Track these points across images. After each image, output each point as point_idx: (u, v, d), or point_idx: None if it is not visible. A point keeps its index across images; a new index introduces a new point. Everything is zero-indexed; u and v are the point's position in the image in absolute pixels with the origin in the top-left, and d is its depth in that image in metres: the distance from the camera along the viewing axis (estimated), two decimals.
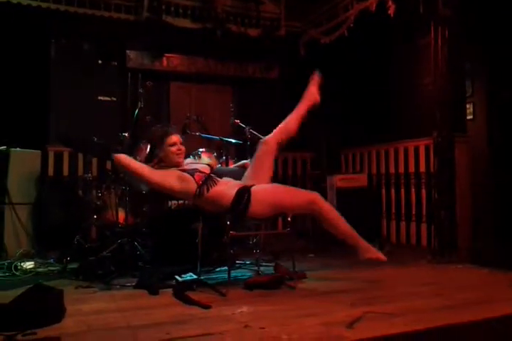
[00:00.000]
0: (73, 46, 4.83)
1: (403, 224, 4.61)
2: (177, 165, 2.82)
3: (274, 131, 2.96)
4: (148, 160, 2.88)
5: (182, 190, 2.70)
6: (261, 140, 2.96)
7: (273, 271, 2.99)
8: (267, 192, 2.73)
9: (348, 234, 2.75)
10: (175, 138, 2.85)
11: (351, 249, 2.80)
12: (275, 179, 3.07)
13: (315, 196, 2.73)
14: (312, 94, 3.16)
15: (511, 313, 2.19)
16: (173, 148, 2.82)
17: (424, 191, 4.32)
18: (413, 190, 4.49)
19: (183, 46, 5.20)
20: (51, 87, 4.70)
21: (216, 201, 2.71)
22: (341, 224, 2.75)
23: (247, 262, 3.40)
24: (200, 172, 2.77)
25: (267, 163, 2.92)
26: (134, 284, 2.73)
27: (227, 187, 2.73)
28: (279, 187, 2.81)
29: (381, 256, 2.77)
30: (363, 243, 2.76)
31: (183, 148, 2.85)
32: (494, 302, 2.37)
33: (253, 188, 2.72)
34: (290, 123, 3.00)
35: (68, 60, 4.79)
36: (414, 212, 4.47)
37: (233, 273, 3.08)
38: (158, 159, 2.84)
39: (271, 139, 2.92)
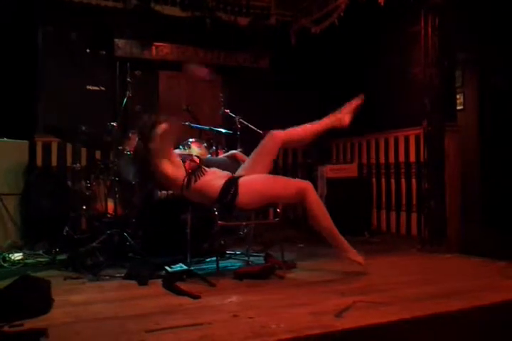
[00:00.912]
0: (61, 34, 4.74)
1: (393, 213, 4.63)
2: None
3: (289, 129, 2.85)
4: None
5: (172, 177, 2.69)
6: (270, 132, 2.85)
7: (263, 261, 2.99)
8: (255, 182, 2.71)
9: (330, 231, 2.76)
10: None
11: (333, 247, 2.80)
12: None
13: (306, 185, 2.73)
14: (343, 116, 2.93)
15: (499, 302, 2.21)
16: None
17: (414, 181, 4.34)
18: (403, 179, 4.50)
19: (173, 35, 5.12)
20: (38, 76, 4.62)
21: (203, 191, 2.69)
22: (326, 219, 2.75)
23: (238, 252, 3.40)
24: (192, 160, 2.75)
25: (267, 160, 2.86)
26: (123, 275, 2.72)
27: (214, 178, 2.72)
28: (268, 178, 2.79)
29: (360, 259, 2.77)
30: (343, 243, 2.77)
31: None
32: (483, 291, 2.40)
33: (241, 179, 2.70)
34: (307, 132, 2.88)
35: (56, 48, 4.70)
36: (404, 202, 4.49)
37: (223, 264, 3.08)
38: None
39: (280, 135, 2.82)
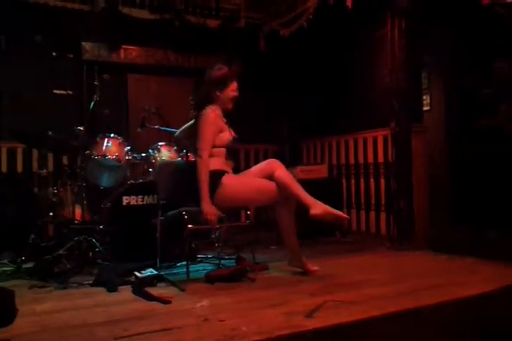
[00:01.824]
0: (25, 38, 4.64)
1: (363, 213, 4.70)
2: (225, 109, 2.92)
3: (288, 177, 2.76)
4: (205, 98, 2.90)
5: None
6: (273, 165, 2.82)
7: (235, 264, 2.98)
8: (234, 183, 2.76)
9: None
10: (236, 83, 2.94)
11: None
12: (238, 171, 3.05)
13: (275, 188, 2.75)
14: (320, 206, 2.66)
15: (466, 296, 2.27)
16: (234, 93, 2.91)
17: (383, 181, 4.41)
18: (372, 179, 4.57)
19: (141, 38, 5.08)
20: (2, 80, 4.50)
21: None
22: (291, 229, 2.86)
23: (209, 256, 3.38)
24: None
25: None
26: (91, 282, 2.66)
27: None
28: (247, 184, 2.80)
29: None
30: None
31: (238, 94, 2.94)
32: (451, 287, 2.45)
33: (225, 178, 2.74)
34: (294, 187, 2.75)
35: (21, 51, 4.60)
36: (373, 202, 4.55)
37: (195, 268, 3.06)
38: (211, 100, 2.88)
39: (277, 174, 2.76)
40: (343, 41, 5.06)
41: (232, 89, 2.91)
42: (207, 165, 2.74)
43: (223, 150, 2.88)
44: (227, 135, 2.88)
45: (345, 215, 2.80)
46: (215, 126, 2.82)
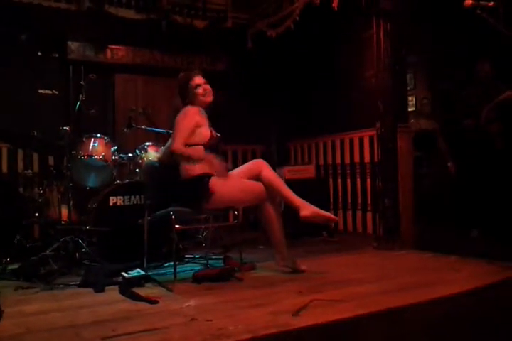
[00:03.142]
0: (10, 37, 4.59)
1: (349, 212, 4.73)
2: (206, 105, 2.93)
3: (276, 178, 2.83)
4: (184, 103, 2.92)
5: None
6: (259, 165, 2.87)
7: (222, 264, 2.99)
8: (222, 186, 2.75)
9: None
10: (197, 80, 2.93)
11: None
12: None
13: (263, 188, 2.77)
14: (308, 208, 2.73)
15: (450, 294, 2.30)
16: (199, 90, 2.90)
17: (368, 180, 4.45)
18: (358, 179, 4.61)
19: (128, 37, 5.05)
20: None
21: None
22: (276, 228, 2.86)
23: (197, 256, 3.38)
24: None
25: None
26: (78, 283, 2.65)
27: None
28: (235, 185, 2.80)
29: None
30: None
31: (208, 87, 2.94)
32: (435, 285, 2.48)
33: (213, 179, 2.74)
34: (282, 187, 2.81)
35: (5, 51, 4.54)
36: (359, 201, 4.59)
37: (182, 268, 3.06)
38: (189, 102, 2.90)
39: (263, 174, 2.81)
40: (330, 42, 5.09)
41: (194, 87, 2.89)
42: (184, 149, 2.75)
43: (202, 148, 2.81)
44: (207, 131, 2.84)
45: (333, 216, 2.83)
46: (191, 119, 2.80)
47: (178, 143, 2.76)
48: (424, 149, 4.49)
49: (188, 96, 2.92)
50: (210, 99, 2.94)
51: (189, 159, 2.78)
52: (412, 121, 4.55)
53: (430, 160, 4.55)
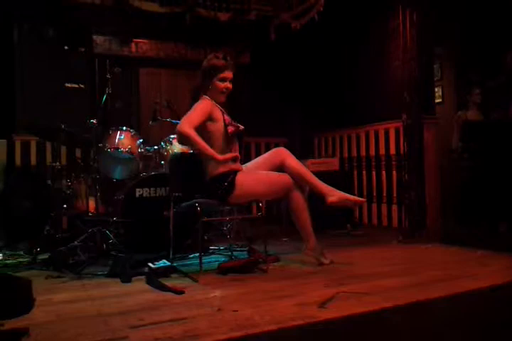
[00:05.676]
0: (38, 31, 4.67)
1: (374, 206, 4.69)
2: (217, 102, 2.80)
3: (300, 166, 2.80)
4: (199, 89, 2.82)
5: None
6: (282, 153, 2.85)
7: (247, 256, 3.00)
8: (250, 179, 2.75)
9: (304, 225, 2.82)
10: (228, 73, 2.78)
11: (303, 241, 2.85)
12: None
13: (290, 180, 2.76)
14: (335, 194, 2.74)
15: (476, 289, 2.26)
16: (222, 84, 2.77)
17: (394, 173, 4.39)
18: (384, 172, 4.56)
19: (152, 31, 5.08)
20: (16, 74, 4.55)
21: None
22: (304, 213, 2.81)
23: (221, 248, 3.40)
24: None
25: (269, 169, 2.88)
26: (105, 273, 2.70)
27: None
28: (262, 179, 2.78)
29: (325, 260, 2.85)
30: (312, 240, 2.86)
31: (231, 86, 2.80)
32: (461, 279, 2.45)
33: (240, 174, 2.74)
34: (308, 175, 2.79)
35: (33, 45, 4.63)
36: (385, 194, 4.55)
37: (207, 259, 3.09)
38: (204, 90, 2.80)
39: (287, 163, 2.79)
40: (355, 33, 5.02)
41: (219, 79, 2.76)
42: (194, 134, 2.58)
43: (220, 144, 2.75)
44: (221, 125, 2.75)
45: (361, 199, 2.81)
46: (206, 110, 2.70)
47: (185, 124, 2.60)
48: (470, 141, 4.36)
49: (205, 83, 2.80)
50: (223, 99, 2.84)
51: (194, 145, 2.67)
52: (459, 112, 4.46)
53: (473, 152, 4.41)
